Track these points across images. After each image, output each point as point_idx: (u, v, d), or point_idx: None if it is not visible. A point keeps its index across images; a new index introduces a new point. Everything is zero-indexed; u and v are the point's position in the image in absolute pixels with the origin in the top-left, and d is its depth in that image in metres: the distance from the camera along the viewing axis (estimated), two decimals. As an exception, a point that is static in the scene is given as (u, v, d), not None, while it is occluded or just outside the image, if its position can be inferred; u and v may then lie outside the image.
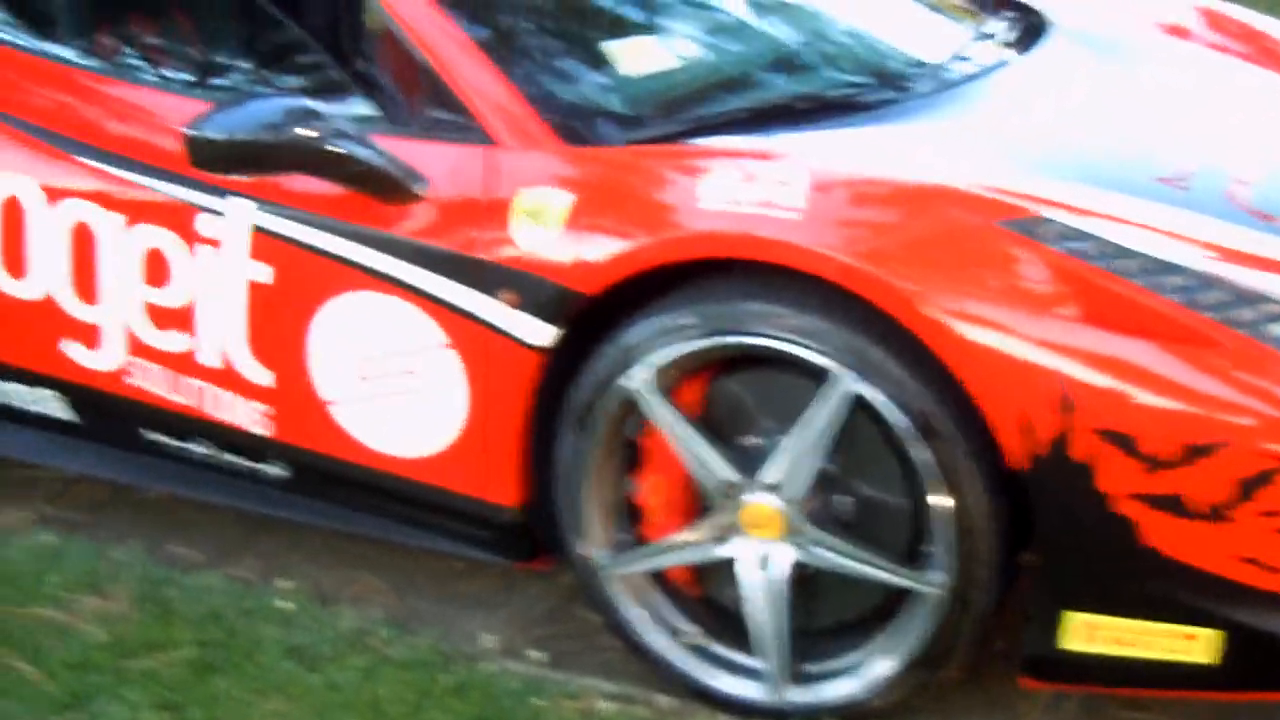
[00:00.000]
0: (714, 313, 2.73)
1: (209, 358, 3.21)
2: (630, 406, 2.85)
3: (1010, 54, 3.44)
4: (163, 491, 3.60)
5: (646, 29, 3.31)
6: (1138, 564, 2.58)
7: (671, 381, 2.81)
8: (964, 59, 3.38)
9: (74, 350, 3.35)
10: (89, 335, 3.32)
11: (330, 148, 2.88)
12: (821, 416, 2.69)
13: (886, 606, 2.84)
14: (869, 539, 2.78)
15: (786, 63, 3.30)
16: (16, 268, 3.35)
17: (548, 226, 2.84)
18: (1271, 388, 2.52)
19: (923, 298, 2.57)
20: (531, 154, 2.93)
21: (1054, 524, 2.60)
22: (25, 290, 3.36)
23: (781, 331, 2.69)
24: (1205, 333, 2.54)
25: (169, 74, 3.28)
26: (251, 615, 3.17)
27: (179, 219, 3.15)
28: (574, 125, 2.99)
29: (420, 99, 3.03)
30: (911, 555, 2.77)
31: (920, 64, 3.34)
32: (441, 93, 3.01)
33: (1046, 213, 2.69)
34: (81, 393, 3.41)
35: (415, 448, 3.07)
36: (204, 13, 3.40)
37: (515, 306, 2.86)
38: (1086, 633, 2.66)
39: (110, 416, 3.40)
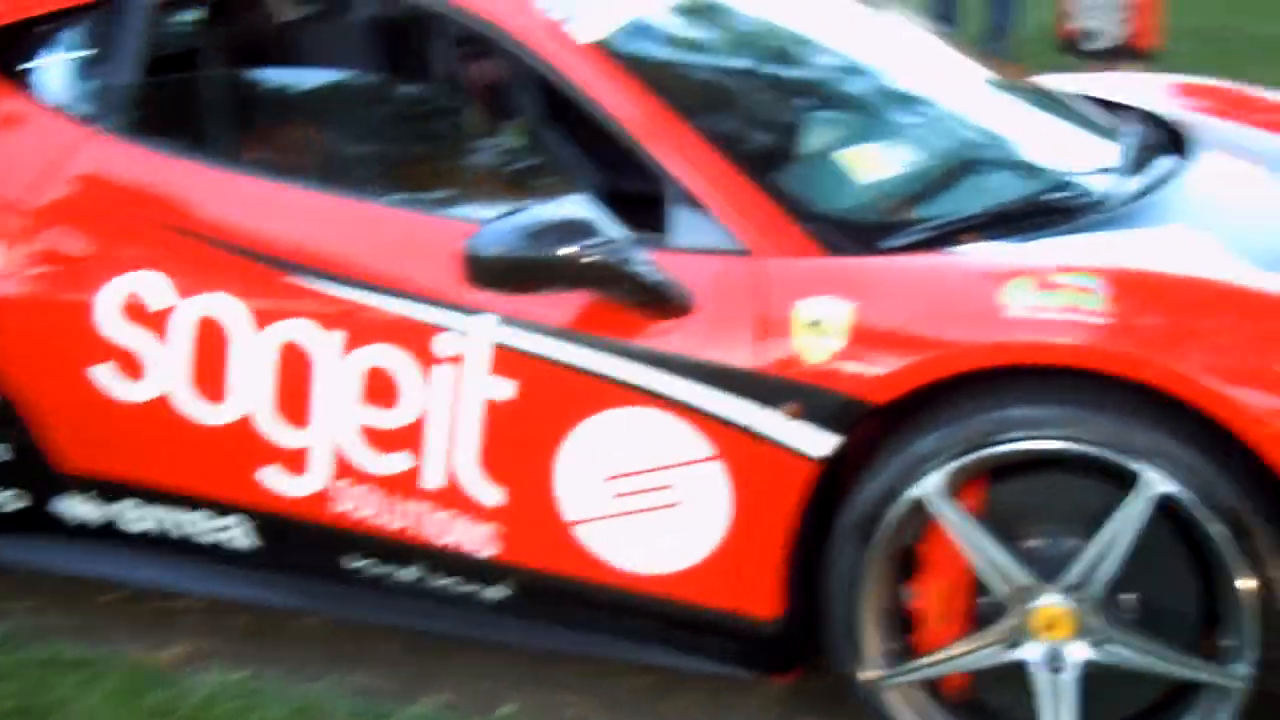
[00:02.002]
0: (1012, 419, 2.75)
1: (433, 479, 3.11)
2: (916, 514, 2.85)
3: (1178, 161, 3.53)
4: (335, 619, 3.47)
5: (862, 132, 3.34)
6: None
7: (957, 488, 2.83)
8: (1142, 167, 3.47)
9: (272, 477, 3.22)
10: (291, 460, 3.19)
11: (612, 262, 2.84)
12: (1128, 518, 2.73)
13: (1164, 701, 2.88)
14: (1157, 635, 2.82)
15: (996, 167, 3.35)
16: (212, 393, 3.21)
17: (832, 337, 2.83)
18: None
19: (1247, 402, 2.63)
20: (798, 263, 2.93)
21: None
22: (219, 416, 3.22)
23: (1089, 437, 2.72)
24: None
25: (406, 192, 3.19)
26: (488, 746, 3.07)
27: (411, 338, 3.05)
28: (828, 232, 2.99)
29: (670, 210, 3.00)
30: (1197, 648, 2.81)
31: (1107, 171, 3.42)
32: (692, 204, 2.99)
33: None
34: (274, 520, 3.27)
35: (667, 563, 3.03)
36: (438, 128, 3.32)
37: (796, 417, 2.85)
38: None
39: (301, 543, 3.27)
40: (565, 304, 2.97)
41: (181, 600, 3.65)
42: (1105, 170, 3.41)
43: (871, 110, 3.48)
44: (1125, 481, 2.74)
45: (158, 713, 3.16)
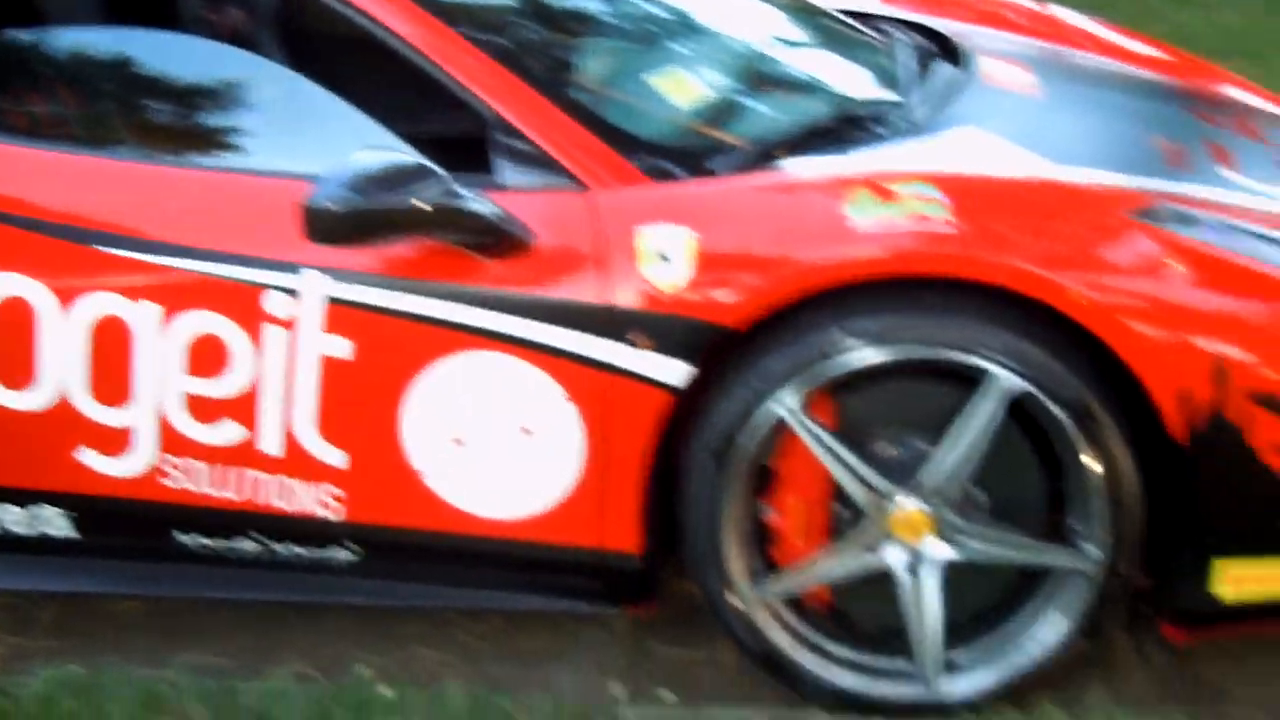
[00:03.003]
0: (868, 330, 2.80)
1: (269, 445, 3.01)
2: (771, 431, 2.88)
3: (954, 68, 3.63)
4: (167, 600, 3.34)
5: (668, 60, 3.33)
6: (1280, 507, 2.83)
7: (810, 402, 2.87)
8: (926, 76, 3.55)
9: (92, 459, 3.07)
10: (112, 440, 3.04)
11: (453, 206, 2.78)
12: (981, 417, 2.82)
13: (1018, 590, 2.99)
14: (1010, 527, 2.93)
15: (797, 88, 3.38)
16: (18, 378, 3.03)
17: (679, 265, 2.83)
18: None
19: (1088, 293, 2.73)
20: (633, 193, 2.91)
21: (1211, 484, 2.82)
22: (29, 402, 3.04)
23: (938, 341, 2.79)
24: None
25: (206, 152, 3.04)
26: (363, 710, 3.00)
27: (236, 302, 2.94)
28: (656, 161, 2.99)
29: (496, 151, 2.95)
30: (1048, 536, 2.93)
31: (902, 81, 3.49)
32: (519, 143, 2.94)
33: (1158, 201, 2.90)
34: (96, 504, 3.11)
35: (525, 507, 3.00)
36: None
37: (649, 349, 2.84)
38: (1234, 579, 2.89)
39: (127, 525, 3.13)
40: (399, 253, 2.89)
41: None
42: (896, 82, 3.48)
43: (672, 38, 3.47)
44: (973, 382, 2.82)
45: (-4, 719, 2.99)
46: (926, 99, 3.40)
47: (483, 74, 2.98)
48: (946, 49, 3.78)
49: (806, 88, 3.44)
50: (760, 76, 3.43)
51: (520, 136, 2.95)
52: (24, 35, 3.26)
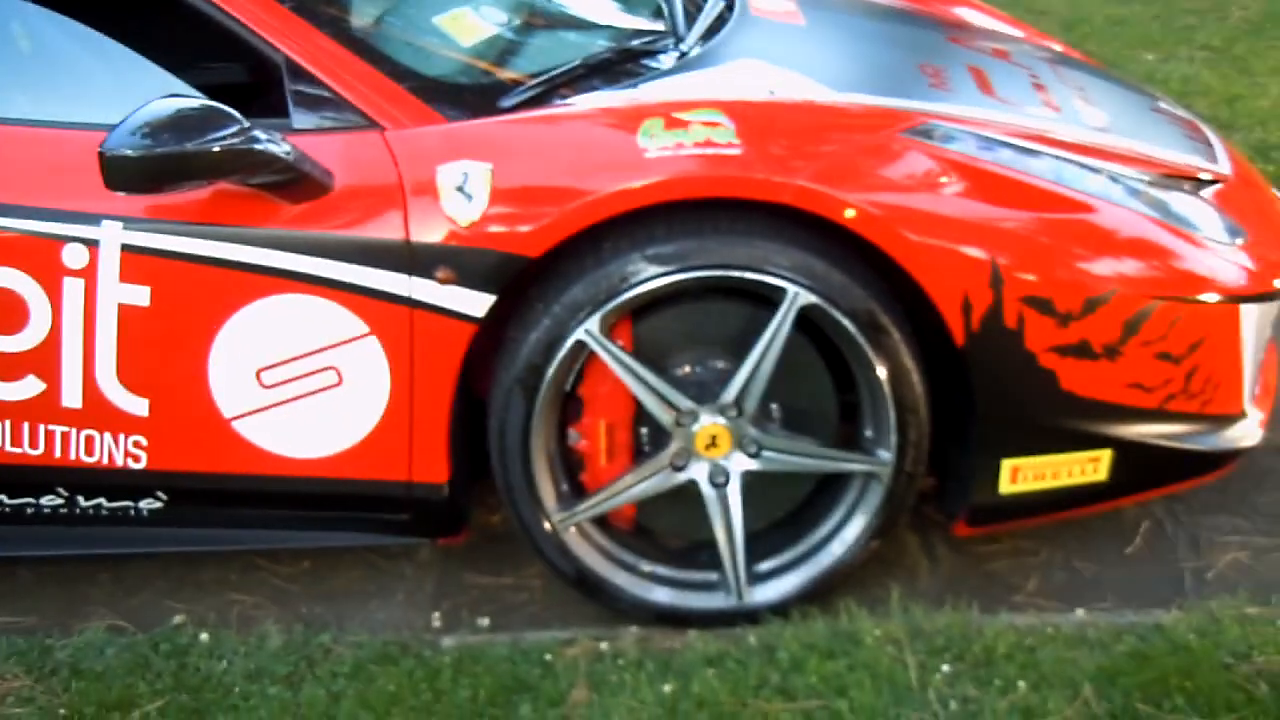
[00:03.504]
0: (665, 254, 2.89)
1: (71, 398, 2.99)
2: (575, 358, 2.96)
3: (725, 3, 3.73)
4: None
5: (451, 2, 3.37)
6: (1058, 406, 3.01)
7: (612, 327, 2.95)
8: (700, 12, 3.65)
9: (-117, 423, 3.02)
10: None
11: (252, 149, 2.78)
12: (775, 333, 2.93)
13: (816, 497, 3.13)
14: (806, 437, 3.06)
15: (572, 26, 3.45)
16: None
17: (477, 199, 2.89)
18: (1140, 240, 3.01)
19: (871, 208, 2.86)
20: (428, 131, 2.95)
21: (991, 387, 2.98)
22: None
23: (733, 262, 2.89)
24: (1080, 202, 3.00)
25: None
26: (183, 654, 3.02)
27: (29, 255, 2.91)
28: (447, 99, 3.03)
29: (290, 95, 2.96)
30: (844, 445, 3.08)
31: (674, 15, 3.58)
32: (311, 86, 2.96)
33: (929, 120, 3.05)
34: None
35: (333, 444, 3.03)
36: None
37: (450, 283, 2.90)
38: (1013, 474, 3.06)
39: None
40: (198, 198, 2.89)
41: None
42: (669, 16, 3.57)
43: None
44: (765, 300, 2.93)
45: None
46: (699, 31, 3.49)
47: (272, 19, 2.98)
48: None
49: (584, 26, 3.51)
50: (540, 16, 3.49)
51: (313, 80, 2.96)
52: None
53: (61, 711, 2.87)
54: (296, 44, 2.97)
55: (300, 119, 2.94)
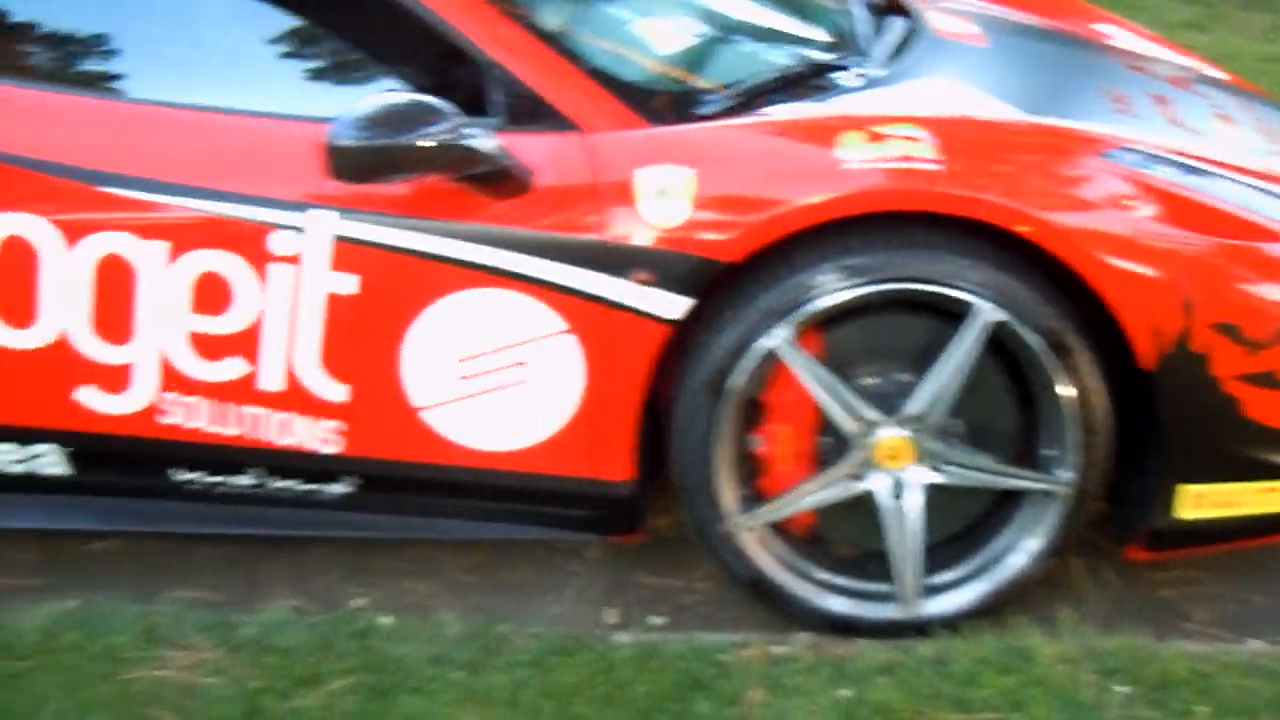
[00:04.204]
0: (856, 266, 2.94)
1: (271, 382, 3.07)
2: (764, 364, 3.00)
3: (907, 21, 3.77)
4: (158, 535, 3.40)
5: (648, 10, 3.43)
6: (1241, 434, 3.02)
7: (802, 335, 3.00)
8: (885, 31, 3.69)
9: (91, 397, 3.11)
10: (112, 378, 3.09)
11: (464, 144, 2.86)
12: (963, 347, 2.97)
13: (993, 513, 3.16)
14: (987, 452, 3.09)
15: (770, 41, 3.50)
16: (20, 315, 3.06)
17: (678, 203, 2.94)
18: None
19: (1065, 228, 2.89)
20: (630, 135, 3.01)
21: (1177, 412, 2.99)
22: (29, 340, 3.07)
23: (926, 276, 2.93)
24: (1271, 230, 3.01)
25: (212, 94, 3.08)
26: (364, 638, 3.08)
27: (242, 240, 2.99)
28: (647, 103, 3.09)
29: (493, 94, 3.03)
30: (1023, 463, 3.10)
31: (860, 33, 3.63)
32: (515, 87, 3.03)
33: (1122, 144, 3.07)
34: (92, 441, 3.15)
35: (521, 439, 3.09)
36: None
37: (648, 284, 2.95)
38: (1196, 501, 3.07)
39: (123, 463, 3.18)
40: (406, 191, 2.96)
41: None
42: (855, 34, 3.62)
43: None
44: (953, 314, 2.96)
45: (-2, 653, 3.02)
46: (887, 50, 3.53)
47: (477, 19, 3.05)
48: (890, 2, 3.93)
49: (771, 40, 3.56)
50: (730, 27, 3.54)
51: (515, 80, 3.02)
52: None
53: (252, 684, 2.94)
54: (500, 44, 3.04)
55: (502, 118, 3.01)
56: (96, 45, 3.15)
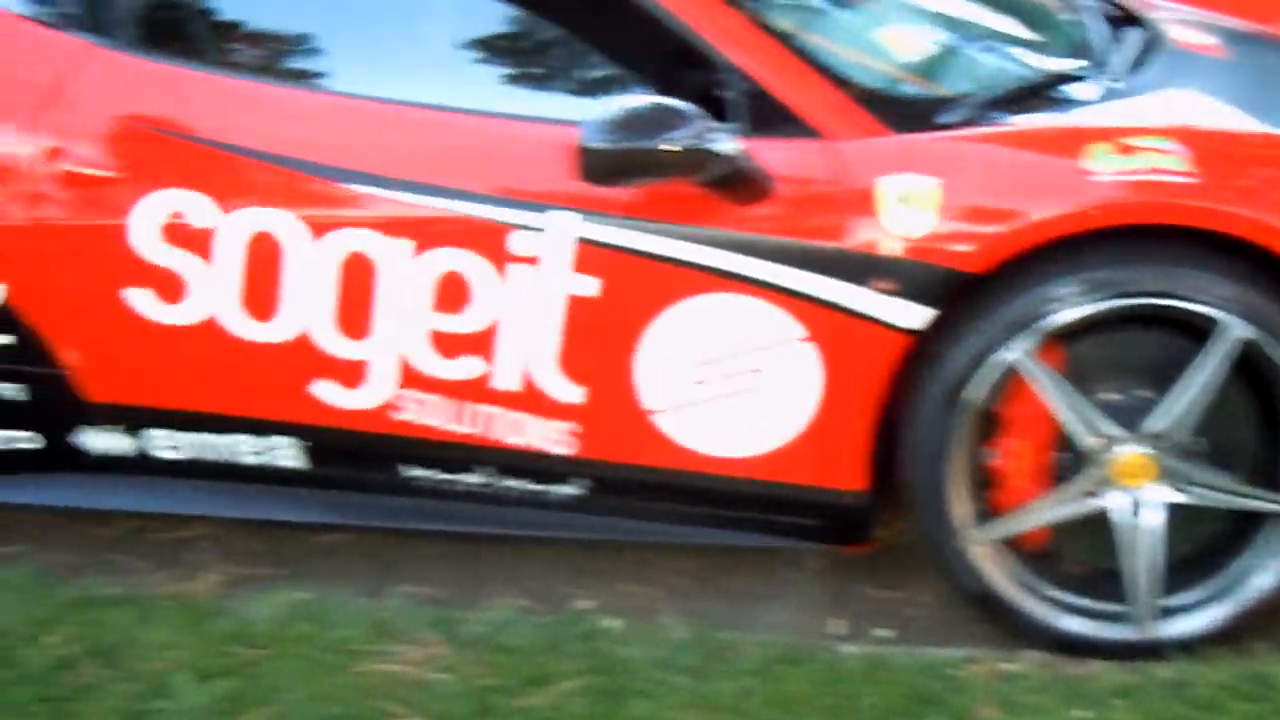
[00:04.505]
0: (1100, 279, 2.89)
1: (506, 381, 3.09)
2: (1002, 376, 2.96)
3: (1142, 32, 3.70)
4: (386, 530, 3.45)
5: (888, 17, 3.41)
6: None
7: (1042, 348, 2.95)
8: (1123, 42, 3.63)
9: (328, 391, 3.15)
10: (350, 373, 3.13)
11: (713, 149, 2.86)
12: (1210, 364, 2.90)
13: (1232, 534, 3.08)
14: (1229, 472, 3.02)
15: (1010, 51, 3.46)
16: (263, 309, 3.12)
17: (922, 212, 2.91)
18: None
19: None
20: (874, 143, 2.99)
21: None
22: (270, 334, 3.12)
23: (1173, 291, 2.87)
24: None
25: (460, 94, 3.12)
26: (590, 640, 3.09)
27: (484, 240, 3.02)
28: (889, 111, 3.06)
29: (735, 100, 3.02)
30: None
31: (1097, 44, 3.57)
32: (757, 93, 3.02)
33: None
34: (328, 436, 3.20)
35: (754, 446, 3.08)
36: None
37: (890, 293, 2.92)
38: None
39: (356, 457, 3.22)
40: (647, 194, 2.97)
41: (186, 529, 3.56)
42: (1092, 45, 3.56)
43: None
44: (1197, 330, 2.90)
45: (233, 639, 3.08)
46: (1125, 61, 3.47)
47: (719, 24, 3.05)
48: (1124, 13, 3.86)
49: (1015, 48, 3.51)
50: (967, 35, 3.50)
51: (756, 85, 3.02)
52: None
53: (481, 682, 2.96)
54: (744, 49, 3.03)
55: (742, 123, 3.00)
56: (345, 45, 3.20)
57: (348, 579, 3.37)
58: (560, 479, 3.18)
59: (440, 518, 3.32)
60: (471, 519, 3.30)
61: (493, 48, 3.19)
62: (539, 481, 3.20)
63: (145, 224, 3.09)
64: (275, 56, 3.25)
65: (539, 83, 3.19)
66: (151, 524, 3.56)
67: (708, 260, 2.97)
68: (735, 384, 3.04)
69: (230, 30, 3.27)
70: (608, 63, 3.15)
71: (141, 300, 3.12)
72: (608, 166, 2.84)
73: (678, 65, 3.11)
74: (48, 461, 3.33)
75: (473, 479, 3.21)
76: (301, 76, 3.21)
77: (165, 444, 3.27)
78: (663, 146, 2.84)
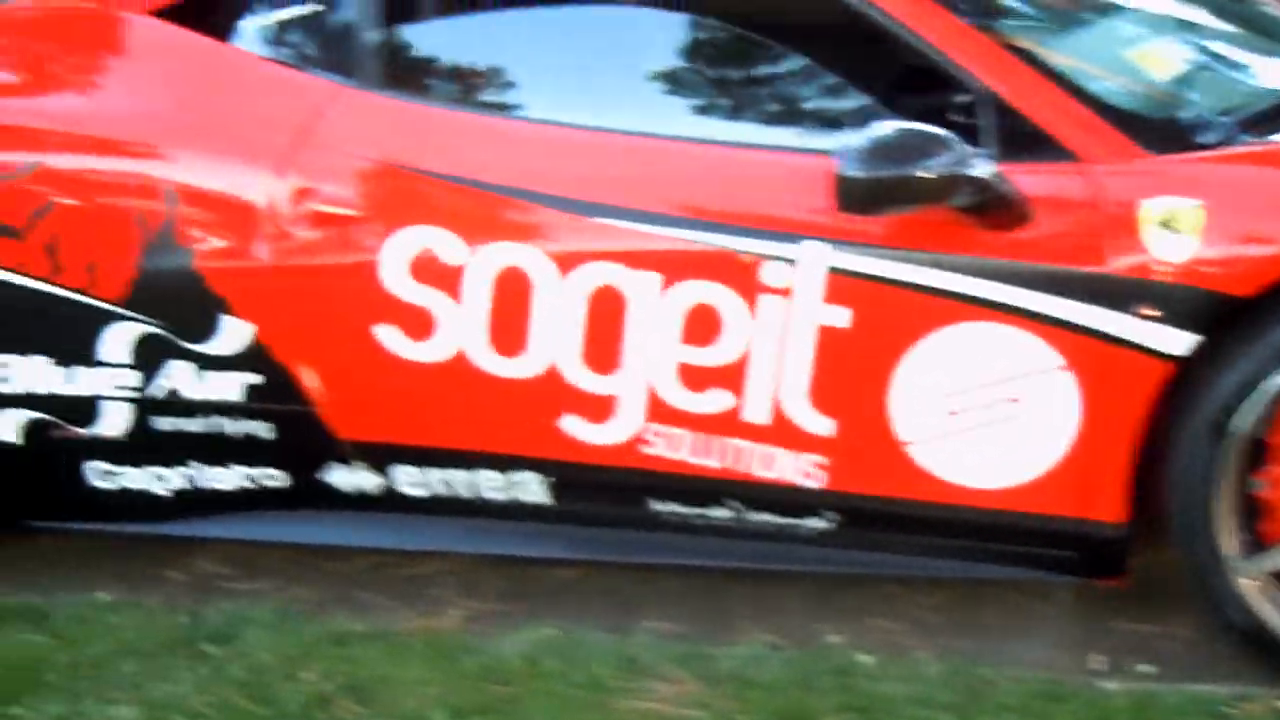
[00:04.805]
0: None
1: (756, 414, 3.06)
2: (1272, 404, 2.87)
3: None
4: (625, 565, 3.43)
5: (1140, 36, 3.35)
6: None
7: (1308, 377, 2.86)
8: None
9: (576, 426, 3.14)
10: (598, 408, 3.11)
11: (972, 176, 2.81)
12: None
13: None
14: None
15: (1259, 68, 3.38)
16: (512, 345, 3.11)
17: (1186, 235, 2.84)
18: None
19: None
20: (1132, 165, 2.92)
21: None
22: (519, 369, 3.12)
23: None
24: None
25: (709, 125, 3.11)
26: (844, 677, 3.04)
27: (735, 271, 2.99)
28: (1147, 133, 2.99)
29: (988, 124, 2.97)
30: None
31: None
32: (1011, 117, 2.97)
33: None
34: (574, 470, 3.19)
35: (1010, 477, 3.02)
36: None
37: (1152, 319, 2.85)
38: None
39: (603, 492, 3.20)
40: (899, 221, 2.92)
41: (425, 564, 3.57)
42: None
43: (1131, 15, 3.48)
44: None
45: (484, 676, 3.07)
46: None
47: (972, 51, 3.01)
48: None
49: (1266, 65, 3.42)
50: (1220, 53, 3.42)
51: (1015, 112, 2.97)
52: (516, 14, 3.36)
53: (737, 719, 2.92)
54: (998, 74, 2.98)
55: (998, 150, 2.94)
56: (587, 78, 3.20)
57: (590, 615, 3.35)
58: (809, 512, 3.14)
59: (683, 552, 3.29)
60: (714, 553, 3.28)
61: (736, 78, 3.18)
62: (787, 515, 3.16)
63: (394, 261, 3.11)
64: (517, 92, 3.25)
65: (782, 112, 3.16)
66: (390, 559, 3.58)
67: (963, 288, 2.92)
68: (991, 414, 2.98)
69: (470, 67, 3.28)
70: (854, 90, 3.10)
71: (390, 337, 3.14)
72: (865, 195, 2.80)
73: (925, 89, 3.07)
74: (293, 499, 3.36)
75: (720, 513, 3.19)
76: (545, 111, 3.20)
77: (410, 480, 3.29)
78: (921, 174, 2.79)
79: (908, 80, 3.13)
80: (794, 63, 3.18)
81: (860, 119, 3.00)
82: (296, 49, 3.34)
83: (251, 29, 3.37)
